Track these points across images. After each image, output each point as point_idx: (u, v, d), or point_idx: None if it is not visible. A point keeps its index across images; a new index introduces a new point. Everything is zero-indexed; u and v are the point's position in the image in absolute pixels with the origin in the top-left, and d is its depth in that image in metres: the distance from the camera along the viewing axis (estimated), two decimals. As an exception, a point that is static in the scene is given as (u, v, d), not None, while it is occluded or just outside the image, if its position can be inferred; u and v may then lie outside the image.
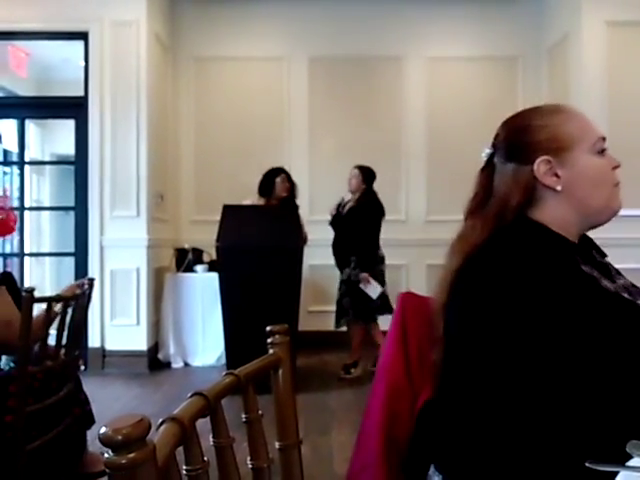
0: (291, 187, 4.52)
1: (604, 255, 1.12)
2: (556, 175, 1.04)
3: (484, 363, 0.95)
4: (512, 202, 1.05)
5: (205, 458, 0.72)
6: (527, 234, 1.03)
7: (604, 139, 1.06)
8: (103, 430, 0.51)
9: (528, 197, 1.05)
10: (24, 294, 1.89)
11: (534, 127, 1.07)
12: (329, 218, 4.60)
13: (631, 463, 0.76)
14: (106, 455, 0.50)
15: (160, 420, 0.66)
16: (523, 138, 1.07)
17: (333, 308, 4.90)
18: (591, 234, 1.13)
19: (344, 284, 4.44)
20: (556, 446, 0.89)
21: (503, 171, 1.08)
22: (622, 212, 1.07)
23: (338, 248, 4.49)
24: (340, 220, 4.48)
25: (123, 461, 0.50)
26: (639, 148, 4.58)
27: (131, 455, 0.50)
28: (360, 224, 4.35)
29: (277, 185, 4.46)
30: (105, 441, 0.50)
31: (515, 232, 1.03)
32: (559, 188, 1.03)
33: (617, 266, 1.11)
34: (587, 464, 0.77)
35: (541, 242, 1.01)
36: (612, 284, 1.02)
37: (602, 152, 1.05)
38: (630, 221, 3.83)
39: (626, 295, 1.01)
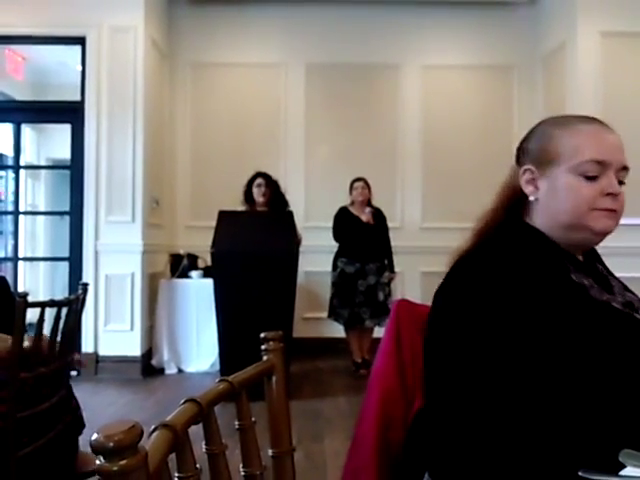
0: (271, 189, 4.52)
1: (610, 273, 1.12)
2: (536, 186, 1.05)
3: (460, 367, 0.94)
4: (503, 200, 1.08)
5: (197, 465, 0.72)
6: (518, 235, 1.04)
7: (599, 163, 0.99)
8: (95, 437, 0.50)
9: (515, 198, 1.08)
10: (17, 299, 1.88)
11: (536, 133, 1.09)
12: (332, 226, 4.75)
13: (624, 472, 0.76)
14: (97, 462, 0.50)
15: (152, 427, 0.66)
16: (524, 142, 1.10)
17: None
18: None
19: (387, 286, 4.76)
20: (549, 455, 0.88)
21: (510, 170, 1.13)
22: (621, 221, 1.04)
23: (379, 254, 4.73)
24: (373, 228, 4.69)
25: (114, 468, 0.50)
26: (634, 157, 4.59)
27: (123, 462, 0.50)
28: (387, 230, 4.83)
29: (254, 191, 4.51)
30: (97, 448, 0.50)
31: (506, 233, 1.04)
32: (532, 198, 1.05)
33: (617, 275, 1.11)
34: (580, 473, 0.77)
35: (528, 243, 1.02)
36: (609, 296, 1.01)
37: (590, 177, 0.99)
38: (628, 230, 3.81)
39: (618, 306, 1.00)
